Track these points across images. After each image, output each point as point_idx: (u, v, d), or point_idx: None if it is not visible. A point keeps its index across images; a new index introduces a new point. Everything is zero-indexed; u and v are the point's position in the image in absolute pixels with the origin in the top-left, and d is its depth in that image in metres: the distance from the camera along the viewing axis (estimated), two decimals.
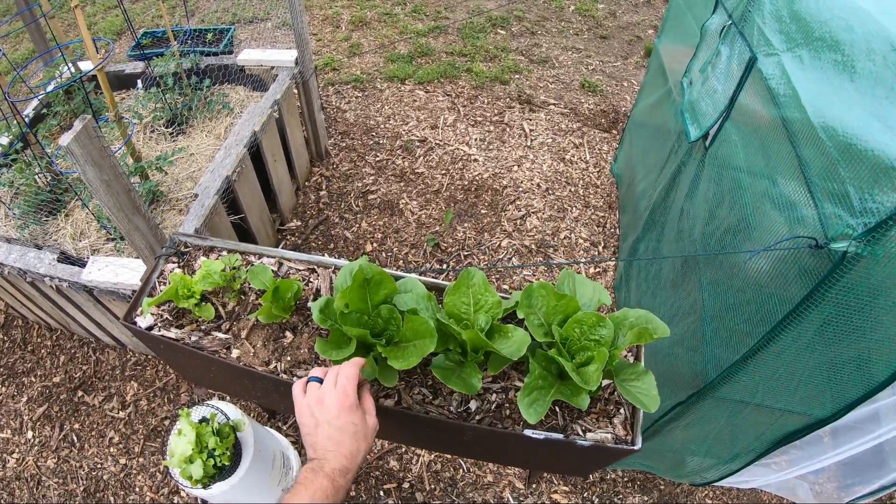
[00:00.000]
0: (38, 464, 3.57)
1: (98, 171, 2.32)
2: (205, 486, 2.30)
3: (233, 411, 2.53)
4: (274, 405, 2.08)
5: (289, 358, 1.70)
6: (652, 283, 3.30)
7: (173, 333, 1.82)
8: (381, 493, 3.14)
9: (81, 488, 3.43)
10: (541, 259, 4.01)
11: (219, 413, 2.44)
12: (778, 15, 2.28)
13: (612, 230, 4.18)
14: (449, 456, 3.27)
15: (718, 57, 2.75)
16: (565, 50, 5.82)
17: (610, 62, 5.71)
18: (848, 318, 1.68)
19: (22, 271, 3.16)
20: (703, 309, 2.50)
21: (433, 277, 1.78)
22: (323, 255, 1.91)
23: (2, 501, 3.47)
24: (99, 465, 3.49)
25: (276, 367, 1.69)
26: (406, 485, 3.18)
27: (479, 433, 1.56)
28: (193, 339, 1.79)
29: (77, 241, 3.43)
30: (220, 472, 2.31)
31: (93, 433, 3.63)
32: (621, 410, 1.57)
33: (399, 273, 1.71)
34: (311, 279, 1.88)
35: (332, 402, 1.30)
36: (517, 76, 5.44)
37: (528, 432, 1.48)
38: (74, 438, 3.63)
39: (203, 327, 1.82)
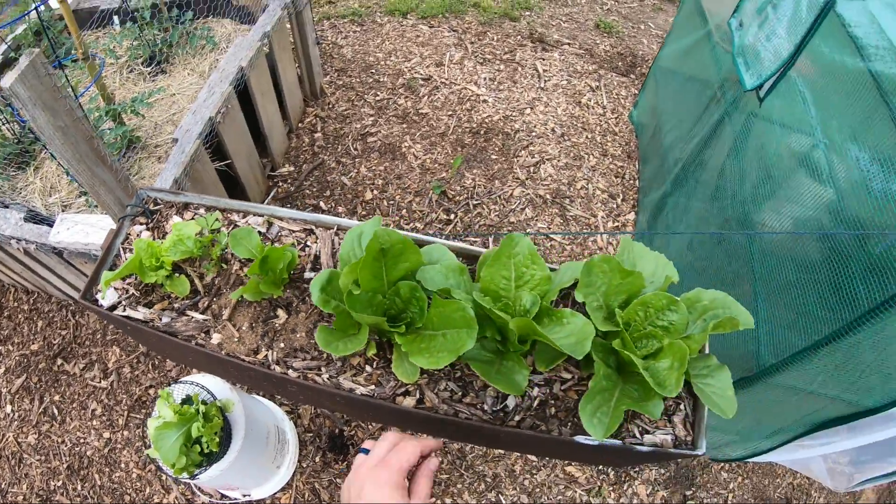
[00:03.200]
0: (19, 440, 3.31)
1: (51, 115, 1.97)
2: (191, 475, 2.04)
3: (220, 388, 2.24)
4: (267, 391, 1.77)
5: (282, 344, 1.36)
6: (681, 241, 3.00)
7: (140, 313, 1.49)
8: None
9: (65, 465, 3.18)
10: (556, 211, 3.68)
11: (203, 392, 2.15)
12: None
13: (632, 181, 3.86)
14: None
15: None
16: None
17: (626, 3, 5.34)
18: None
19: None
20: (755, 282, 2.24)
21: (461, 241, 1.44)
22: (320, 214, 1.57)
23: None
24: (82, 440, 3.23)
25: (266, 356, 1.35)
26: None
27: (519, 438, 1.25)
28: (165, 320, 1.46)
29: (47, 196, 3.09)
30: (208, 458, 2.05)
31: (74, 405, 3.35)
32: (682, 406, 1.26)
33: (419, 237, 1.37)
34: (309, 242, 1.54)
35: (365, 473, 1.09)
36: (528, 13, 5.05)
37: (579, 439, 1.17)
38: (55, 411, 3.35)
39: (176, 305, 1.49)
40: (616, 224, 3.66)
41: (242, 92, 3.34)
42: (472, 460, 2.95)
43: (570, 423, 1.22)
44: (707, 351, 1.27)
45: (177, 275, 1.52)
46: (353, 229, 1.28)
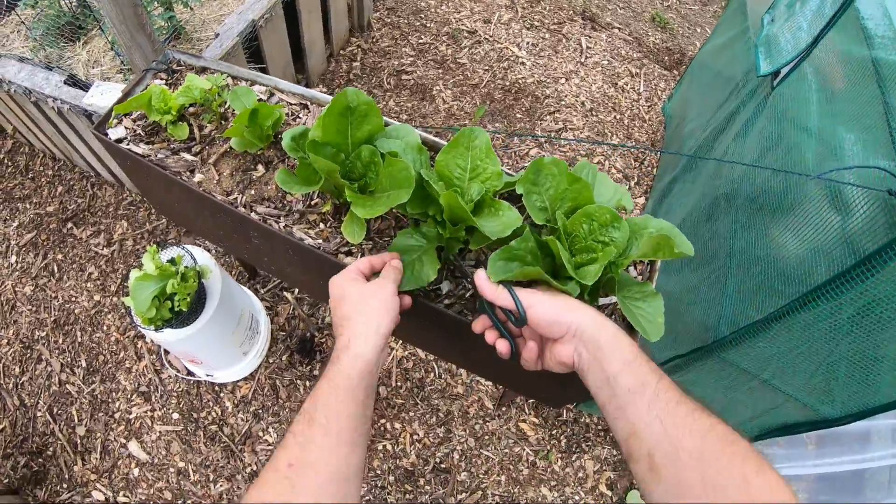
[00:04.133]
0: (16, 289, 3.49)
1: None
2: (157, 329, 2.17)
3: (204, 258, 2.39)
4: (237, 249, 1.90)
5: (253, 192, 1.50)
6: (675, 221, 3.03)
7: (141, 149, 1.64)
8: None
9: (52, 318, 3.35)
10: None
11: (187, 256, 2.29)
12: None
13: (650, 169, 3.92)
14: (422, 356, 3.14)
15: None
16: None
17: (687, 4, 5.32)
18: None
19: (28, 90, 3.04)
20: (730, 257, 2.25)
21: (435, 136, 1.54)
22: (318, 92, 1.69)
23: None
24: (73, 299, 3.40)
25: (236, 198, 1.49)
26: None
27: (444, 320, 1.35)
28: (159, 156, 1.60)
29: (90, 68, 3.25)
30: (176, 317, 2.18)
31: (74, 266, 3.52)
32: None
33: (391, 120, 1.48)
34: (301, 115, 1.67)
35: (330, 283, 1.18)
36: None
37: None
38: (55, 268, 3.53)
39: (173, 146, 1.63)
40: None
41: (291, 7, 3.46)
42: (429, 392, 3.04)
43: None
44: (654, 287, 1.33)
45: (181, 122, 1.66)
46: (332, 99, 1.37)
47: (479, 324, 1.15)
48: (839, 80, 2.04)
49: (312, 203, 1.46)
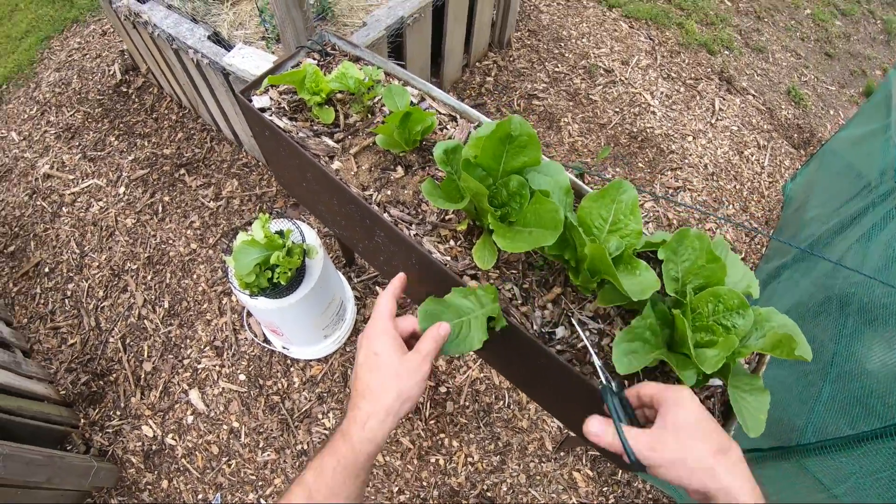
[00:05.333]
0: (118, 218, 3.62)
1: None
2: (252, 294, 2.21)
3: (311, 236, 2.41)
4: (353, 241, 1.90)
5: (389, 192, 1.50)
6: (782, 309, 2.92)
7: (283, 123, 1.66)
8: None
9: (146, 254, 3.46)
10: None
11: (296, 231, 2.32)
12: None
13: (759, 247, 3.79)
14: (496, 381, 3.10)
15: None
16: (785, 49, 5.25)
17: (825, 83, 5.13)
18: None
19: (171, 37, 3.16)
20: (832, 364, 2.15)
21: (576, 177, 1.51)
22: (469, 107, 1.68)
23: (71, 239, 3.55)
24: (170, 241, 3.50)
25: (371, 195, 1.49)
26: (443, 389, 3.02)
27: (552, 365, 1.31)
28: (300, 135, 1.62)
29: (234, 29, 3.35)
30: (273, 288, 2.21)
31: (178, 210, 3.63)
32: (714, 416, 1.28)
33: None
34: (449, 127, 1.66)
35: (360, 338, 1.10)
36: (727, 52, 4.97)
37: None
38: (160, 208, 3.64)
39: (315, 128, 1.65)
40: None
41: (438, 11, 3.47)
42: (494, 419, 3.00)
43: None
44: (762, 379, 1.28)
45: (327, 106, 1.67)
46: (492, 122, 1.35)
47: (594, 427, 1.00)
48: None
49: (447, 218, 1.45)
